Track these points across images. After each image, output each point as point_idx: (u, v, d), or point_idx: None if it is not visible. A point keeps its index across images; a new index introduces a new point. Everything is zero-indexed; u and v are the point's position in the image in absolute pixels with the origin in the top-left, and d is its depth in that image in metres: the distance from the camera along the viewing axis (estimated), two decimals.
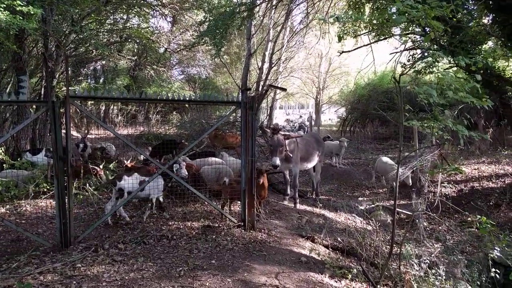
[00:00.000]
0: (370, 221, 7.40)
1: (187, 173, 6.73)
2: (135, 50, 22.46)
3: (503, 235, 4.14)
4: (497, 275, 4.43)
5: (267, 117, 24.55)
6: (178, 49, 22.33)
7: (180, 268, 4.61)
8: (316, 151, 8.75)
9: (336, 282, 5.00)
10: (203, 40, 14.36)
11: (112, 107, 23.13)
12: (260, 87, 18.20)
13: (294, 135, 8.31)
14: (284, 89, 15.20)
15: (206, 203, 6.93)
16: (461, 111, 10.99)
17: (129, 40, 18.28)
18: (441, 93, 3.60)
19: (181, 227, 6.23)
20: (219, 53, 15.06)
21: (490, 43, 14.14)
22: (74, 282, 4.14)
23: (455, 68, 12.46)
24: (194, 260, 4.87)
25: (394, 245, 6.45)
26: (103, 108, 22.75)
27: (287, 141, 7.63)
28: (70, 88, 5.84)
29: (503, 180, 9.58)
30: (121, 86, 21.29)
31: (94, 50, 15.51)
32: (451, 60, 9.80)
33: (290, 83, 30.98)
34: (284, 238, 6.11)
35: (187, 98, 6.35)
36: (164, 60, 22.81)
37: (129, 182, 6.27)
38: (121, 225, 6.30)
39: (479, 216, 4.42)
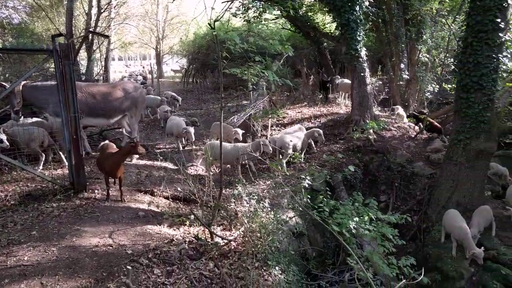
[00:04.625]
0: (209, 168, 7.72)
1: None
2: None
3: (308, 166, 4.84)
4: (308, 200, 5.19)
5: (103, 68, 22.35)
6: None
7: None
8: (120, 105, 7.94)
9: (175, 230, 5.12)
10: None
11: None
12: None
13: None
14: (106, 36, 13.91)
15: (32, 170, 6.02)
16: (287, 60, 12.14)
17: None
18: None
19: None
20: None
21: None
22: None
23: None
24: (8, 235, 4.26)
25: (231, 186, 6.99)
26: None
27: None
28: None
29: (319, 120, 11.19)
30: None
31: None
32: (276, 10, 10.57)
33: (126, 31, 28.57)
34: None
35: None
36: None
37: None
38: None
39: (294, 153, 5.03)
